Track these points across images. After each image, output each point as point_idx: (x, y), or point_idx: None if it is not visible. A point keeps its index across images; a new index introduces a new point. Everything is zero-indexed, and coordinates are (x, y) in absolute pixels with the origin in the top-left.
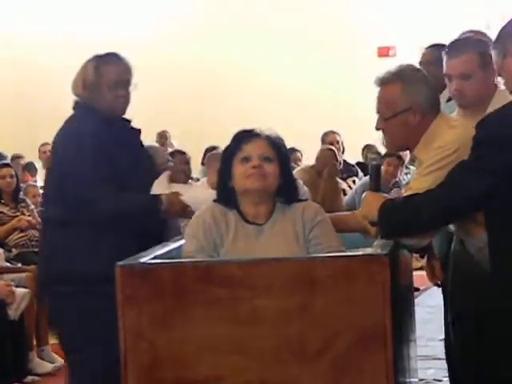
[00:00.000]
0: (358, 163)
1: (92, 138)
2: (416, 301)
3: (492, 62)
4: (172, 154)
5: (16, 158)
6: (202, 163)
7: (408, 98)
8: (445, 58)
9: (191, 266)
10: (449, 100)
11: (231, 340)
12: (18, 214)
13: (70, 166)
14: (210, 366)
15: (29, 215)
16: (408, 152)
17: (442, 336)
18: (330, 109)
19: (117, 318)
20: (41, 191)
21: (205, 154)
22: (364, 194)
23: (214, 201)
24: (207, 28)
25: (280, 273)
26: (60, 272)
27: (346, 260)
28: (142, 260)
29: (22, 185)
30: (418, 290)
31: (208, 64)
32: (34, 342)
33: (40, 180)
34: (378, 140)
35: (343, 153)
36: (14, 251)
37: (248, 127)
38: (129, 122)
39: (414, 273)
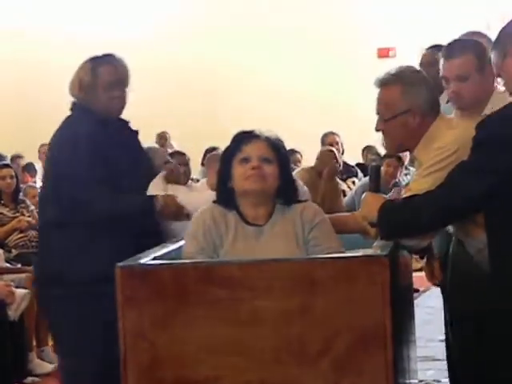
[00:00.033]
0: (358, 164)
1: (87, 139)
2: (416, 302)
3: (489, 63)
4: (171, 154)
5: (16, 157)
6: (202, 164)
7: (408, 100)
8: (441, 61)
9: (191, 266)
10: (448, 101)
11: (231, 340)
12: (17, 214)
13: (65, 168)
14: (210, 367)
15: (28, 216)
16: (408, 153)
17: (442, 337)
18: (330, 110)
19: (114, 319)
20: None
21: (205, 155)
22: (364, 195)
23: (214, 202)
24: (207, 28)
25: (280, 274)
26: (55, 273)
27: (345, 261)
28: (142, 261)
29: (21, 185)
30: (417, 290)
31: (208, 64)
32: (34, 343)
33: (40, 181)
34: (377, 141)
35: (343, 154)
36: (14, 252)
37: (248, 128)
38: (126, 123)
39: (414, 274)
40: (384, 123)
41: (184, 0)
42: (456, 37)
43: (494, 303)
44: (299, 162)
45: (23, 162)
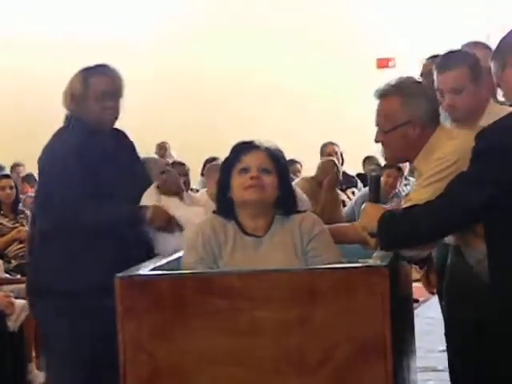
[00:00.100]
0: (359, 174)
1: (77, 152)
2: (415, 312)
3: (482, 74)
4: (171, 165)
5: (16, 166)
6: (202, 174)
7: (407, 111)
8: (435, 73)
9: (191, 277)
10: None
11: (231, 351)
12: (17, 225)
13: (55, 182)
14: (210, 378)
15: None
16: (408, 163)
17: (442, 347)
18: (330, 120)
19: (104, 330)
20: None
21: (204, 165)
22: (363, 206)
23: (214, 212)
24: (207, 28)
25: (280, 284)
26: (45, 284)
27: (345, 271)
28: (142, 271)
29: (21, 196)
30: (417, 301)
31: (208, 64)
32: (34, 354)
33: None
34: (378, 151)
35: (342, 164)
36: (14, 262)
37: (248, 135)
38: (122, 133)
39: (414, 284)
40: (384, 135)
41: (184, 0)
42: (456, 47)
43: (493, 314)
44: (299, 172)
45: (23, 171)
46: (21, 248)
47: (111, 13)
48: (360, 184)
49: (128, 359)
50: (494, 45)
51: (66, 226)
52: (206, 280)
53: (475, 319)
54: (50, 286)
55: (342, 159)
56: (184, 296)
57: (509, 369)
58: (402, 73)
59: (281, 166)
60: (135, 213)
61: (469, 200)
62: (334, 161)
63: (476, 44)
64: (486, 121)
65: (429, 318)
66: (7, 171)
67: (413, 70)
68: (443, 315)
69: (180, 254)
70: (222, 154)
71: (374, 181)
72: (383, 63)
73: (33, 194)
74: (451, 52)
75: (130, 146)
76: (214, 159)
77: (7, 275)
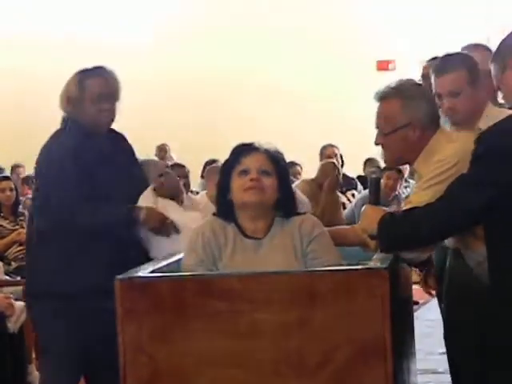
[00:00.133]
0: (359, 177)
1: (73, 153)
2: (415, 314)
3: (480, 76)
4: (171, 167)
5: (16, 167)
6: (202, 176)
7: (408, 114)
8: (433, 77)
9: (190, 279)
10: None
11: (231, 353)
12: (17, 227)
13: (51, 183)
14: (210, 380)
15: None
16: (408, 165)
17: (442, 350)
18: (330, 122)
19: (100, 332)
20: None
21: (204, 167)
22: (363, 208)
23: (214, 214)
24: (207, 29)
25: (280, 286)
26: (42, 286)
27: (345, 274)
28: (141, 273)
29: (21, 198)
30: (417, 303)
31: (208, 65)
32: (34, 355)
33: None
34: (378, 153)
35: (342, 166)
36: (14, 264)
37: (248, 136)
38: (120, 135)
39: (414, 286)
40: (384, 137)
41: (184, 1)
42: (456, 48)
43: (493, 316)
44: (299, 174)
45: (23, 172)
46: (21, 250)
47: (111, 13)
48: (360, 186)
49: (128, 361)
50: (494, 47)
51: (63, 228)
52: (205, 282)
53: (475, 321)
54: (47, 287)
55: (342, 161)
56: (184, 298)
57: (509, 371)
58: (402, 75)
59: (280, 167)
60: (129, 213)
61: (469, 202)
62: (334, 163)
63: (476, 46)
64: (484, 123)
65: (429, 321)
66: (7, 173)
67: (413, 71)
68: (443, 317)
69: (179, 256)
70: (222, 154)
71: (374, 183)
72: (383, 65)
73: None
74: (448, 55)
75: (128, 149)
76: (213, 161)
77: (7, 277)
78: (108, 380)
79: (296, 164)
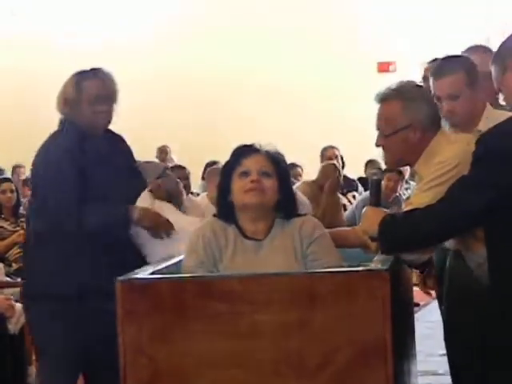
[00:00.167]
0: (360, 178)
1: (70, 155)
2: (416, 316)
3: (479, 78)
4: (172, 169)
5: (16, 167)
6: (203, 178)
7: (408, 115)
8: (431, 80)
9: (191, 280)
10: None
11: (231, 354)
12: (18, 228)
13: (48, 184)
14: (210, 381)
15: None
16: (408, 167)
17: (442, 351)
18: (331, 123)
19: (97, 333)
20: None
21: (205, 169)
22: (364, 209)
23: (214, 215)
24: (207, 28)
25: (280, 288)
26: (39, 288)
27: (346, 275)
28: (142, 275)
29: (22, 199)
30: (417, 305)
31: (208, 65)
32: (34, 356)
33: None
34: (379, 155)
35: (343, 167)
36: (14, 266)
37: (248, 136)
38: (119, 137)
39: (414, 288)
40: (384, 139)
41: (184, 0)
42: (457, 49)
43: (493, 317)
44: (300, 175)
45: (24, 172)
46: (22, 252)
47: (111, 13)
48: (361, 188)
49: (128, 362)
50: (494, 47)
51: (60, 230)
52: (206, 283)
53: (475, 323)
54: (44, 289)
55: (343, 163)
56: (184, 299)
57: (510, 372)
58: (402, 76)
59: (281, 169)
60: (122, 213)
61: (469, 204)
62: (335, 164)
63: (476, 48)
64: (484, 125)
65: (429, 322)
66: (8, 173)
67: (413, 73)
68: (443, 319)
69: (179, 258)
70: (223, 156)
71: (374, 185)
72: (384, 67)
73: None
74: (446, 58)
75: (126, 150)
76: (214, 163)
77: (8, 278)
78: (107, 380)
79: (297, 165)
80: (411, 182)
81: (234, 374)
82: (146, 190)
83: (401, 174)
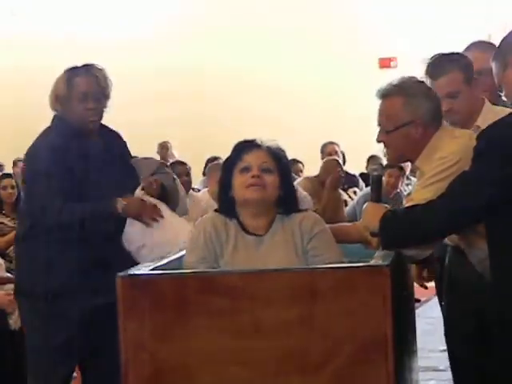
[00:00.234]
0: (361, 174)
1: (54, 152)
2: (417, 312)
3: (474, 74)
4: (172, 164)
5: (18, 161)
6: (204, 174)
7: (410, 111)
8: (429, 80)
9: (192, 276)
10: None
11: (232, 351)
12: None
13: (31, 182)
14: (212, 377)
15: None
16: (409, 163)
17: (443, 347)
18: (332, 119)
19: (78, 333)
20: None
21: (206, 165)
22: (365, 205)
23: (216, 210)
24: (207, 28)
25: (281, 284)
26: (25, 285)
27: (347, 271)
28: (143, 271)
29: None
30: (418, 301)
31: (208, 64)
32: None
33: None
34: (381, 151)
35: (344, 163)
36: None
37: (249, 131)
38: (115, 133)
39: (415, 284)
40: (386, 135)
41: (184, 0)
42: (459, 48)
43: (493, 313)
44: (301, 171)
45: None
46: None
47: (111, 13)
48: (362, 183)
49: (130, 359)
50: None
51: (44, 227)
52: (207, 279)
53: (475, 319)
54: (32, 286)
55: (344, 159)
56: (185, 295)
57: (510, 368)
58: (403, 72)
59: (282, 164)
60: (103, 207)
61: (470, 200)
62: (337, 160)
63: (480, 44)
64: (482, 121)
65: (430, 318)
66: (7, 169)
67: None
68: (443, 315)
69: (181, 253)
70: (223, 152)
71: (375, 180)
72: (385, 63)
73: None
74: (440, 57)
75: (122, 147)
76: (215, 158)
77: (8, 274)
78: (102, 372)
79: (298, 161)
80: (412, 178)
81: (236, 370)
82: (140, 187)
83: (402, 169)
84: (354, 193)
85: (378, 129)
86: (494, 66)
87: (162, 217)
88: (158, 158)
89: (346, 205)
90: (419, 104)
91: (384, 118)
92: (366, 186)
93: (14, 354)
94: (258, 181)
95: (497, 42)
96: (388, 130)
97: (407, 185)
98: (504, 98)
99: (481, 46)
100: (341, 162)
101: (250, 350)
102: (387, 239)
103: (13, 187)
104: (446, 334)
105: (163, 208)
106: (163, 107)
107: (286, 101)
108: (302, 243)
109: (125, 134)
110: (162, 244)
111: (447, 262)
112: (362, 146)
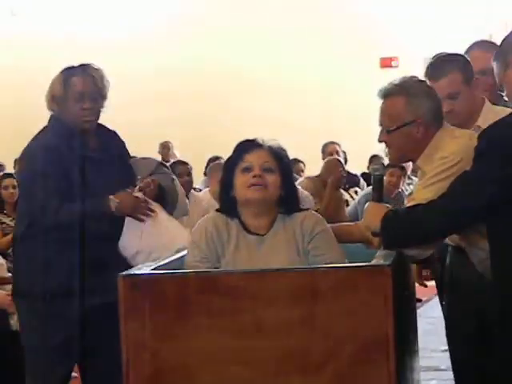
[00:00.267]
0: (363, 174)
1: (48, 152)
2: (418, 312)
3: (473, 73)
4: (173, 164)
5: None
6: (205, 174)
7: (412, 111)
8: (429, 82)
9: (193, 276)
10: None
11: (233, 351)
12: None
13: (26, 182)
14: (213, 376)
15: None
16: (411, 163)
17: (445, 347)
18: (334, 119)
19: (76, 333)
20: None
21: (207, 165)
22: (366, 205)
23: (217, 210)
24: (207, 28)
25: (283, 283)
26: (22, 287)
27: (348, 271)
28: (144, 271)
29: None
30: (420, 300)
31: (208, 64)
32: None
33: None
34: (382, 150)
35: (345, 163)
36: None
37: (250, 133)
38: (112, 133)
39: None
40: (387, 134)
41: (184, 0)
42: (460, 47)
43: (494, 313)
44: (302, 171)
45: None
46: None
47: (111, 13)
48: (363, 183)
49: (131, 358)
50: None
51: (38, 227)
52: (208, 279)
53: (476, 319)
54: (28, 287)
55: (345, 158)
56: (186, 295)
57: (510, 368)
58: (405, 72)
59: (284, 164)
60: (95, 206)
61: (470, 200)
62: (338, 159)
63: (481, 43)
64: (483, 121)
65: (431, 318)
66: (8, 168)
67: (416, 68)
68: (444, 315)
69: (182, 253)
70: (225, 152)
71: (377, 180)
72: (386, 62)
73: None
74: (439, 58)
75: (120, 146)
76: (217, 158)
77: (10, 274)
78: (100, 371)
79: (299, 161)
80: (413, 178)
81: (237, 370)
82: (137, 188)
83: (403, 169)
84: (356, 192)
85: (379, 128)
86: (495, 65)
87: (153, 211)
88: (159, 157)
89: (348, 204)
90: (421, 103)
91: (386, 117)
92: (368, 185)
93: (15, 354)
94: (260, 180)
95: (498, 42)
96: (390, 130)
97: (408, 184)
98: (506, 98)
99: (483, 45)
100: (342, 161)
101: (251, 349)
102: (388, 239)
103: (14, 187)
104: (448, 335)
105: (160, 211)
106: (163, 107)
107: (286, 100)
108: (304, 243)
109: (125, 134)
110: (157, 249)
111: (448, 262)
112: (363, 146)
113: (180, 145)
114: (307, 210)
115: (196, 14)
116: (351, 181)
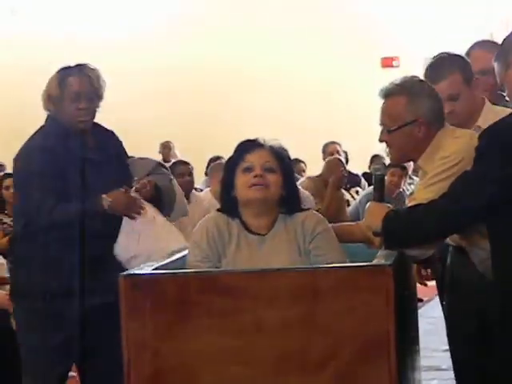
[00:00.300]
0: (364, 173)
1: (43, 152)
2: (419, 311)
3: (473, 73)
4: (174, 164)
5: None
6: (206, 174)
7: (413, 111)
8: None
9: (194, 276)
10: None
11: (234, 350)
12: None
13: (22, 182)
14: (213, 376)
15: None
16: (412, 162)
17: (446, 347)
18: (335, 119)
19: (74, 332)
20: None
21: (208, 165)
22: (368, 205)
23: (218, 210)
24: (207, 28)
25: (283, 283)
26: (20, 287)
27: (349, 270)
28: (145, 271)
29: None
30: (421, 300)
31: (208, 64)
32: None
33: None
34: (383, 150)
35: (346, 163)
36: None
37: (250, 133)
38: (110, 132)
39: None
40: (388, 134)
41: (184, 0)
42: (461, 47)
43: (495, 313)
44: (303, 171)
45: None
46: None
47: (111, 13)
48: (364, 183)
49: (132, 358)
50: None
51: (34, 228)
52: (209, 279)
53: (477, 319)
54: (27, 287)
55: (347, 158)
56: (187, 295)
57: (511, 368)
58: (406, 72)
59: (285, 164)
60: (90, 207)
61: (471, 199)
62: (339, 159)
63: (482, 43)
64: (483, 121)
65: (432, 318)
66: (10, 168)
67: (417, 68)
68: (444, 315)
69: (183, 253)
70: (226, 152)
71: (378, 180)
72: (387, 62)
73: None
74: (439, 59)
75: (117, 146)
76: (217, 158)
77: None
78: (100, 371)
79: (300, 161)
80: (414, 178)
81: (237, 370)
82: (134, 188)
83: (404, 169)
84: (357, 192)
85: (380, 128)
86: (496, 65)
87: (143, 208)
88: (160, 157)
89: (349, 204)
90: (422, 103)
91: (387, 117)
92: (369, 185)
93: (15, 354)
94: (261, 180)
95: (499, 41)
96: (391, 130)
97: (410, 184)
98: (507, 98)
99: (485, 45)
100: (343, 161)
101: (252, 349)
102: (389, 239)
103: None
104: (448, 334)
105: (157, 214)
106: (164, 107)
107: (287, 100)
108: (305, 243)
109: (126, 133)
110: (153, 253)
111: (449, 262)
112: (364, 146)
113: (181, 144)
114: (308, 209)
115: (196, 14)
116: (352, 181)
